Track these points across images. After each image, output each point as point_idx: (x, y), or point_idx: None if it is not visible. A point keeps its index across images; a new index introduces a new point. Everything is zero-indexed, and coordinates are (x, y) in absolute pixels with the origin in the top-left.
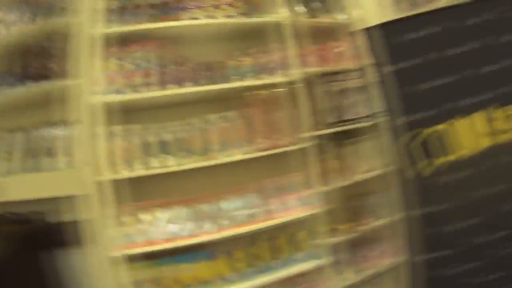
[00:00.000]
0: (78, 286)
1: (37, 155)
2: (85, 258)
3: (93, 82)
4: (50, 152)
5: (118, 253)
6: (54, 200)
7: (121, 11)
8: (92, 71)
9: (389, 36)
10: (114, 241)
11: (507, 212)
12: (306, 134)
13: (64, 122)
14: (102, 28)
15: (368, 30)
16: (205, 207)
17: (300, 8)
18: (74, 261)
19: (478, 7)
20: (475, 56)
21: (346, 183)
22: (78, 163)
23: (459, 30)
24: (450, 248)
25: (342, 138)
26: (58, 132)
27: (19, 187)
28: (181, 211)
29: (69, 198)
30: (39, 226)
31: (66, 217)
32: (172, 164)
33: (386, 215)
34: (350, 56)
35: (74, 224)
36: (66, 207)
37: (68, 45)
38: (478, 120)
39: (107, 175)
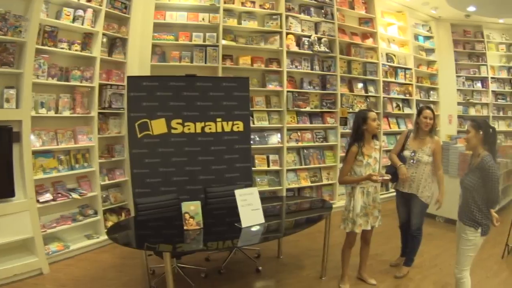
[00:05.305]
0: None
1: None
2: None
3: None
4: None
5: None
6: None
7: None
8: None
9: (135, 81)
10: None
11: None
12: (95, 110)
13: None
14: None
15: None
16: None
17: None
18: None
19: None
20: (171, 99)
21: (106, 135)
22: None
23: (166, 86)
24: (147, 168)
25: (109, 115)
26: None
27: None
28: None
29: None
30: None
31: None
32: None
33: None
34: (122, 78)
35: None
36: None
37: None
38: (162, 122)
39: None
